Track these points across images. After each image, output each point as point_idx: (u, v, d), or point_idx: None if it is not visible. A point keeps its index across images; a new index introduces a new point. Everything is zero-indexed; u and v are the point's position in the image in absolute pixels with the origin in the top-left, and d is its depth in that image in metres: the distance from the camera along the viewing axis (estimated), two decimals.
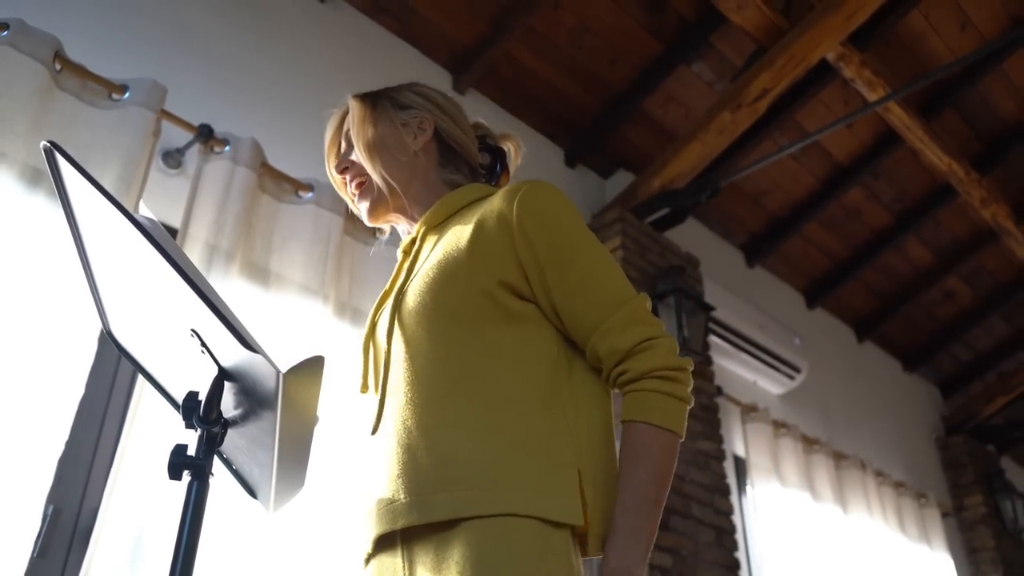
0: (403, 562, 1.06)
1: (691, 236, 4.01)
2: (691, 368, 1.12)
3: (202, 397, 1.00)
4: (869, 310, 5.19)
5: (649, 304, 1.17)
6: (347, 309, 2.43)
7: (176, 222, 2.17)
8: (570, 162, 3.80)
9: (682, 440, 1.10)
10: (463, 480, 1.03)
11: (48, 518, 1.79)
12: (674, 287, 3.32)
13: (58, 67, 2.04)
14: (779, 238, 4.50)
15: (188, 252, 2.06)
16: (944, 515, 4.99)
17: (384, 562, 1.09)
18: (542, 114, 3.65)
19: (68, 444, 1.79)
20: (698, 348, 3.33)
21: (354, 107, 1.32)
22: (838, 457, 4.27)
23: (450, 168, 1.34)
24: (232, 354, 0.95)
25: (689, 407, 1.11)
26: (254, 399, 0.97)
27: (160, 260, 0.91)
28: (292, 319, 2.26)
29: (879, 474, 4.50)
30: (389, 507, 1.08)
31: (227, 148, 2.27)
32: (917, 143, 3.79)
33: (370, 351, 1.27)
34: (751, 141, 3.85)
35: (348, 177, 1.34)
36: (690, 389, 1.11)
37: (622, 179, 3.82)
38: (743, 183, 4.09)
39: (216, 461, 1.03)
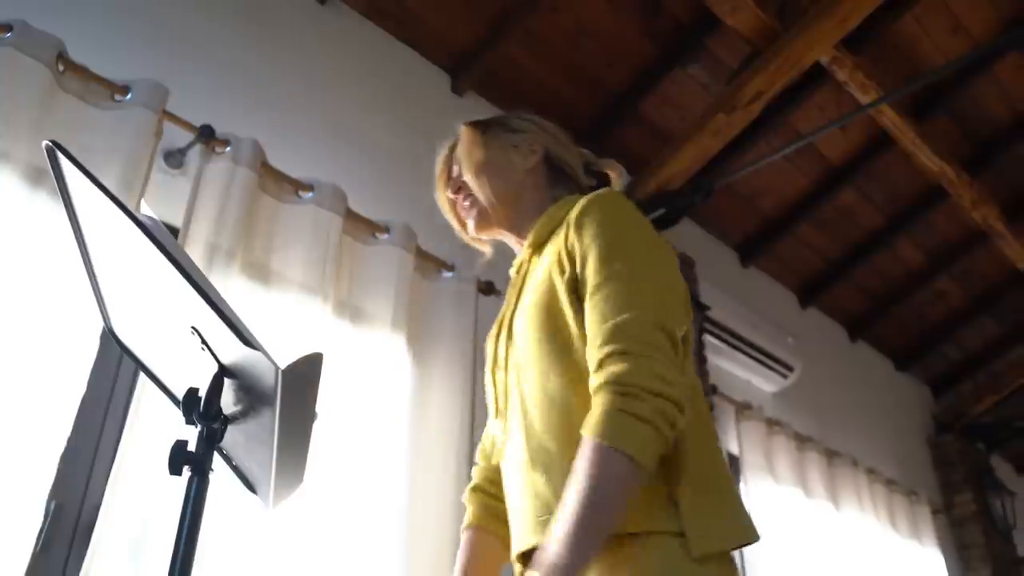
0: None
1: (686, 236, 4.01)
2: (667, 394, 1.02)
3: (202, 394, 1.00)
4: (861, 310, 5.19)
5: (670, 324, 1.08)
6: (346, 308, 2.43)
7: (177, 221, 2.16)
8: None
9: (636, 462, 0.99)
10: None
11: (50, 513, 1.79)
12: None
13: (61, 68, 2.04)
14: (773, 239, 4.51)
15: (189, 251, 2.06)
16: (934, 512, 4.99)
17: None
18: (540, 115, 3.64)
19: (70, 440, 1.79)
20: (693, 347, 3.33)
21: (464, 132, 1.39)
22: (830, 455, 4.27)
23: (559, 188, 1.37)
24: (232, 351, 0.95)
25: (654, 429, 1.01)
26: (254, 395, 0.97)
27: (161, 258, 0.91)
28: (292, 318, 2.26)
29: (871, 471, 4.51)
30: (519, 528, 1.14)
31: (228, 148, 2.27)
32: (909, 145, 3.79)
33: (497, 378, 1.29)
34: (746, 143, 3.85)
35: (462, 196, 1.39)
36: (655, 411, 1.01)
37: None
38: (738, 184, 4.09)
39: (216, 457, 1.03)
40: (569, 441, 1.10)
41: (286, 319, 2.24)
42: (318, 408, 1.02)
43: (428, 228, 2.81)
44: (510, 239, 1.40)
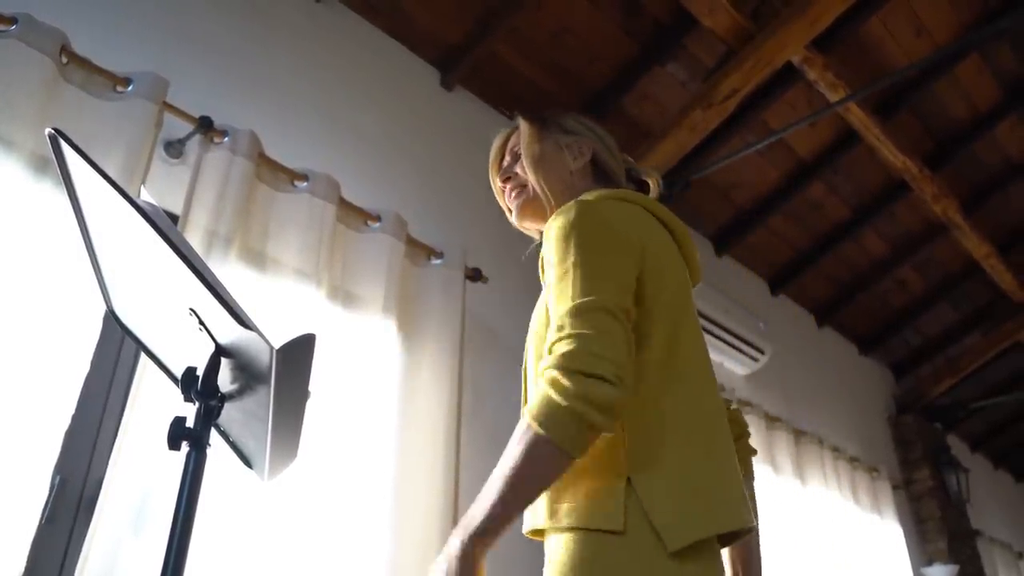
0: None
1: None
2: (596, 373, 0.97)
3: (200, 372, 0.99)
4: (828, 297, 5.22)
5: (610, 302, 1.04)
6: (339, 293, 2.42)
7: (177, 209, 2.15)
8: None
9: (556, 445, 0.96)
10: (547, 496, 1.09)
11: (55, 487, 1.78)
12: None
13: (64, 60, 2.01)
14: (746, 229, 4.52)
15: (189, 238, 2.04)
16: (894, 488, 5.05)
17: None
18: (524, 111, 3.63)
19: (74, 418, 1.78)
20: None
21: (524, 125, 1.41)
22: (798, 434, 4.31)
23: (600, 189, 1.35)
24: (228, 331, 0.94)
25: (575, 408, 0.96)
26: (249, 374, 0.97)
27: (159, 242, 0.90)
28: (287, 302, 2.25)
29: (835, 449, 4.55)
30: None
31: (226, 139, 2.25)
32: (874, 141, 3.81)
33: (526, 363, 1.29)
34: (721, 138, 3.85)
35: (509, 186, 1.40)
36: (578, 392, 0.96)
37: None
38: (713, 177, 4.09)
39: (214, 433, 1.03)
40: None
41: (282, 303, 2.23)
42: (311, 387, 1.02)
43: (418, 217, 2.81)
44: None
